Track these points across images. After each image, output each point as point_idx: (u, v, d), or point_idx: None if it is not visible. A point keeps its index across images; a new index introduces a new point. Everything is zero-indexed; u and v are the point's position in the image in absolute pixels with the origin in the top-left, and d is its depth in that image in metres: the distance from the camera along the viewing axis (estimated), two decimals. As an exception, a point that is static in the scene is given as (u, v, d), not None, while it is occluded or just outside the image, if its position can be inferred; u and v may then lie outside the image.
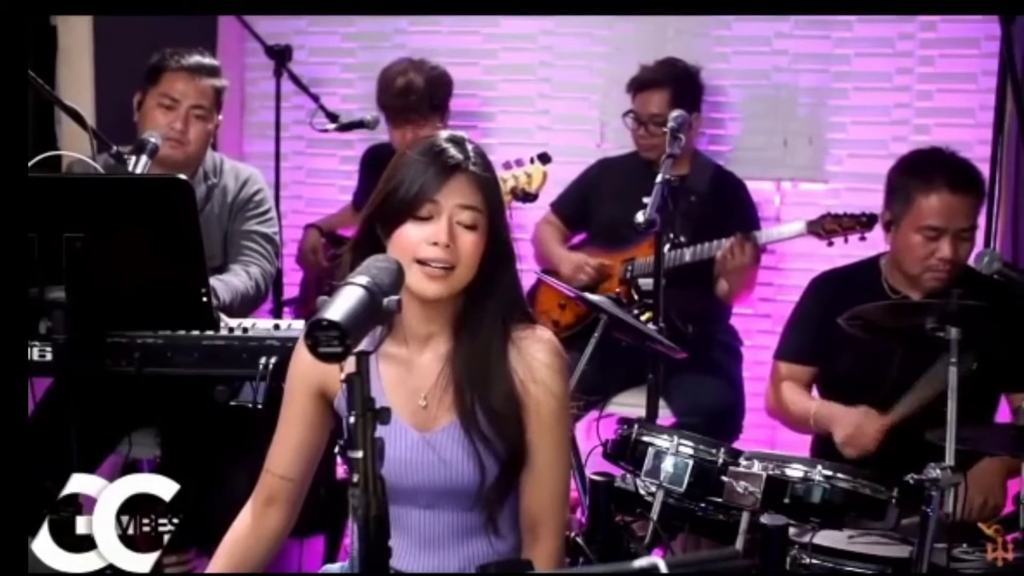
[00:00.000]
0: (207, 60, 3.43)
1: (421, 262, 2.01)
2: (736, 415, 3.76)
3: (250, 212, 3.44)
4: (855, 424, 2.97)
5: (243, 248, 3.40)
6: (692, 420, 3.45)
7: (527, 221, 4.17)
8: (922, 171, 3.06)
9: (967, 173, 3.07)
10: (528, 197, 3.43)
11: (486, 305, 2.08)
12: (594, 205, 4.04)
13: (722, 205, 3.86)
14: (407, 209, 2.03)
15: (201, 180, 3.40)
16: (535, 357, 2.08)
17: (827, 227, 3.63)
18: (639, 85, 3.94)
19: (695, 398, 3.61)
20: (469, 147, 2.08)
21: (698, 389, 3.63)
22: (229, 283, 3.27)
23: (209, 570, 2.20)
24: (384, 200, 2.06)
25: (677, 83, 3.88)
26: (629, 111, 3.95)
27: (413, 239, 2.02)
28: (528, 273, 3.92)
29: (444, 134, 2.11)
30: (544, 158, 3.43)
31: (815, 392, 3.29)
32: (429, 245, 2.01)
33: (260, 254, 3.43)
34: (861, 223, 3.57)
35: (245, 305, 3.28)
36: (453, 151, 2.05)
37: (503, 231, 2.10)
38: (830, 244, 3.64)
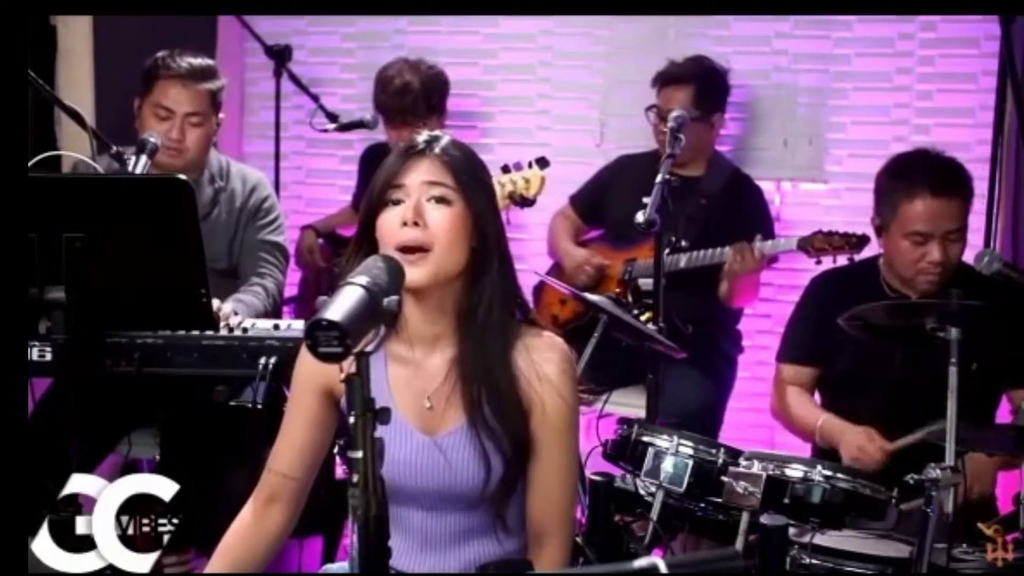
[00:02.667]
0: (199, 62, 3.38)
1: (400, 249, 2.00)
2: (713, 418, 3.74)
3: (261, 221, 3.44)
4: (859, 447, 2.96)
5: (259, 260, 3.41)
6: (672, 419, 3.43)
7: (527, 222, 4.18)
8: (904, 176, 3.06)
9: (950, 175, 3.06)
10: (526, 202, 3.43)
11: (487, 303, 2.06)
12: (608, 202, 4.02)
13: (734, 209, 3.83)
14: (378, 198, 2.05)
15: (207, 183, 3.40)
16: (545, 358, 2.08)
17: (816, 245, 3.55)
18: (664, 80, 3.92)
19: (674, 397, 3.56)
20: (444, 138, 2.09)
21: (679, 388, 3.58)
22: (249, 303, 3.28)
23: (209, 569, 2.20)
24: (364, 201, 2.10)
25: (701, 81, 3.87)
26: (652, 106, 3.93)
27: (388, 226, 2.03)
28: (528, 273, 3.92)
29: (422, 132, 2.13)
30: (543, 162, 3.42)
31: (817, 395, 3.29)
32: (400, 227, 2.01)
33: (274, 265, 3.45)
34: (851, 244, 3.48)
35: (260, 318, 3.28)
36: (420, 139, 2.08)
37: (489, 221, 2.08)
38: (818, 263, 3.53)
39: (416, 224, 2.01)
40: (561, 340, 2.13)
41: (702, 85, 3.86)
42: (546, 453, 2.09)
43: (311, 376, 2.13)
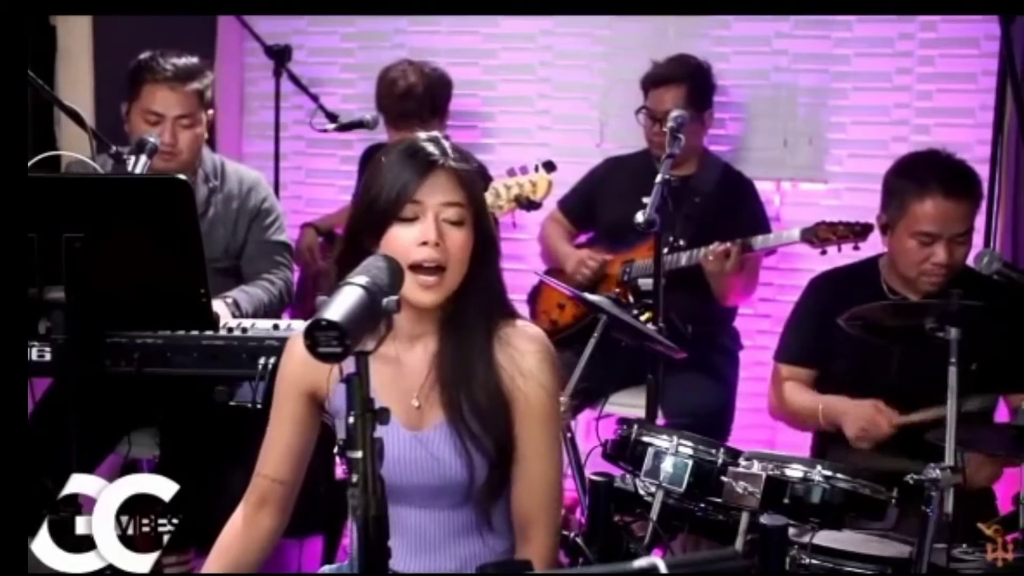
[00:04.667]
0: (183, 62, 3.34)
1: (414, 267, 2.00)
2: (725, 417, 3.75)
3: (264, 222, 3.44)
4: (866, 418, 2.97)
5: (266, 262, 3.42)
6: (681, 420, 3.44)
7: (529, 222, 4.17)
8: (916, 176, 3.05)
9: (962, 177, 3.06)
10: (532, 205, 3.43)
11: (471, 302, 2.08)
12: (600, 204, 4.02)
13: (728, 206, 3.84)
14: (390, 212, 2.02)
15: (202, 182, 3.39)
16: (522, 351, 2.09)
17: (821, 235, 3.58)
18: (653, 81, 3.91)
19: (684, 398, 3.59)
20: (446, 143, 2.09)
21: (688, 389, 3.60)
22: (253, 295, 3.29)
23: (204, 571, 2.21)
24: (367, 208, 2.05)
25: (692, 80, 3.87)
26: (642, 107, 3.93)
27: (402, 242, 2.00)
28: (527, 273, 3.92)
29: (420, 134, 2.11)
30: (549, 166, 3.42)
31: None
32: (419, 246, 2.00)
33: (283, 264, 3.46)
34: (855, 232, 3.52)
35: (269, 314, 3.28)
36: (430, 148, 2.05)
37: (487, 226, 2.11)
38: (823, 253, 3.58)
39: (437, 245, 2.01)
40: (537, 328, 2.15)
41: (693, 84, 3.86)
42: (529, 444, 2.10)
43: (295, 379, 2.14)
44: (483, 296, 2.09)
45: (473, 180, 2.08)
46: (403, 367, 2.11)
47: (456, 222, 2.04)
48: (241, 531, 2.19)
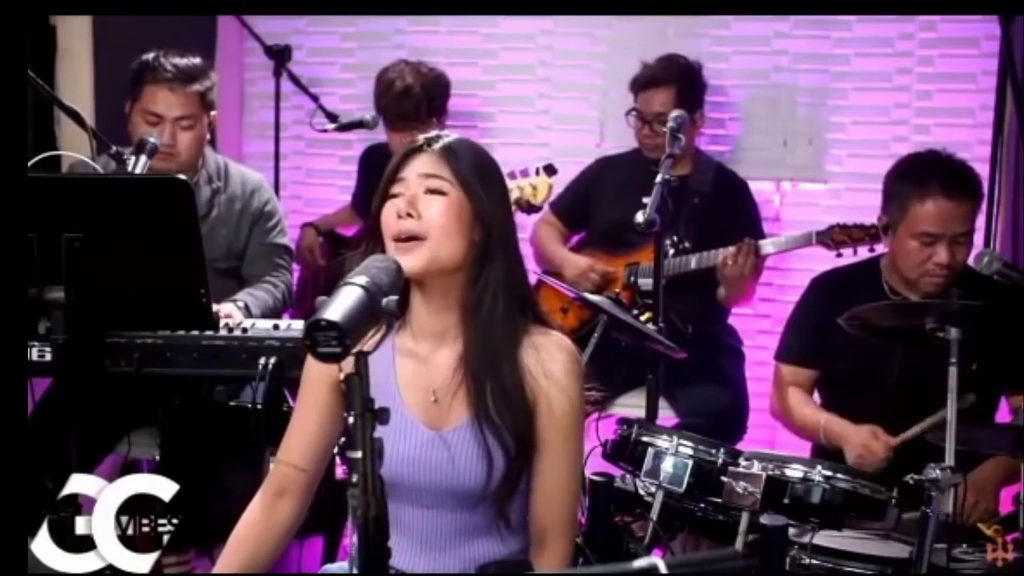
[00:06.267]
0: (185, 63, 3.33)
1: (395, 239, 2.04)
2: (740, 417, 3.75)
3: (266, 225, 3.45)
4: (863, 445, 2.95)
5: (267, 264, 3.43)
6: (696, 421, 3.44)
7: (527, 222, 4.16)
8: (917, 177, 3.04)
9: (963, 177, 3.06)
10: (532, 208, 3.43)
11: (488, 295, 2.07)
12: (595, 205, 4.01)
13: (726, 207, 3.84)
14: (381, 195, 2.10)
15: (205, 183, 3.39)
16: (551, 356, 2.08)
17: (836, 238, 3.59)
18: (643, 83, 3.91)
19: (699, 401, 3.60)
20: (446, 137, 2.12)
21: (702, 392, 3.61)
22: (260, 298, 3.30)
23: (219, 565, 2.19)
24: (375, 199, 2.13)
25: (682, 81, 3.87)
26: (632, 109, 3.93)
27: (385, 218, 2.07)
28: (529, 274, 3.91)
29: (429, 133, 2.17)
30: (550, 170, 3.42)
31: (816, 395, 3.29)
32: (396, 219, 2.05)
33: (284, 267, 3.48)
34: (870, 235, 3.52)
35: (270, 317, 3.28)
36: (421, 138, 2.12)
37: (492, 214, 2.09)
38: (839, 255, 3.59)
39: (410, 215, 2.04)
40: (569, 341, 2.13)
41: (684, 85, 3.86)
42: (551, 454, 2.09)
43: (322, 368, 2.11)
44: (503, 291, 2.07)
45: (463, 159, 2.09)
46: (429, 365, 2.11)
47: (434, 190, 2.06)
48: (259, 521, 2.16)
